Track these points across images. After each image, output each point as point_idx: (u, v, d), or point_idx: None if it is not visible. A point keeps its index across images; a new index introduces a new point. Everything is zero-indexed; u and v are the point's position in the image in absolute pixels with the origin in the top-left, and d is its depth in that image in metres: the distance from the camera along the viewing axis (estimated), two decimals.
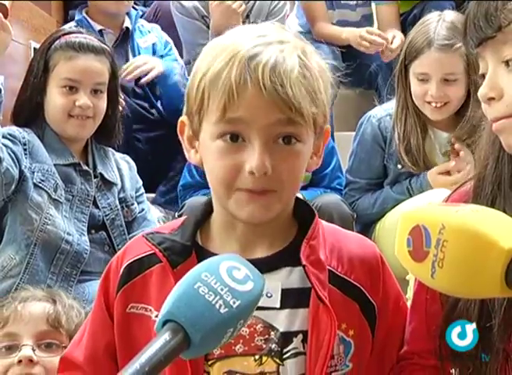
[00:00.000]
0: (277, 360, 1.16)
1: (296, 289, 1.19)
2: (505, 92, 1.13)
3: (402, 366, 1.28)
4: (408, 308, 1.29)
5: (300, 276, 1.19)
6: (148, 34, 3.41)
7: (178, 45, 3.49)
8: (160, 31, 3.48)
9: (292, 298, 1.18)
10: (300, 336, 1.17)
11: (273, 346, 1.16)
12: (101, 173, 2.41)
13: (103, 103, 2.38)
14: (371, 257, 1.25)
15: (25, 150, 2.26)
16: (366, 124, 2.75)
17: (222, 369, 1.17)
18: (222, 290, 0.91)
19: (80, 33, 2.44)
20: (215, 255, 1.01)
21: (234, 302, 0.91)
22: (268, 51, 1.12)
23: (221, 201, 1.19)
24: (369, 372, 1.23)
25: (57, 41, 2.36)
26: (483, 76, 1.17)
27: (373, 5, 3.64)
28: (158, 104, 3.32)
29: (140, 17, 3.56)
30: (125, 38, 3.36)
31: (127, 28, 3.36)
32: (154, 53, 3.38)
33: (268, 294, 1.16)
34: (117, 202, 2.42)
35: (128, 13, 3.40)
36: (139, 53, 3.33)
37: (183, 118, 1.22)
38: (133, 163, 2.57)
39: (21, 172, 2.23)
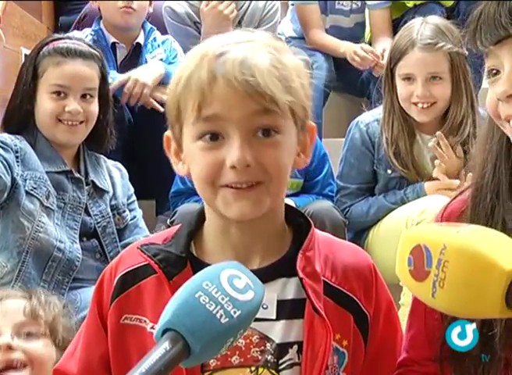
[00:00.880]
0: (273, 371, 1.16)
1: (291, 300, 1.18)
2: None
3: (401, 373, 1.28)
4: (399, 315, 1.29)
5: (296, 287, 1.18)
6: (157, 49, 3.27)
7: None
8: (171, 43, 3.31)
9: (287, 309, 1.18)
10: (296, 347, 1.17)
11: (269, 357, 1.16)
12: (92, 181, 2.40)
13: (94, 108, 2.38)
14: (364, 267, 1.25)
15: (17, 157, 2.26)
16: (354, 130, 2.76)
17: None
18: (222, 299, 0.90)
19: (69, 38, 2.44)
20: (210, 265, 1.00)
21: (235, 312, 0.90)
22: (236, 48, 1.12)
23: (209, 202, 1.17)
24: None
25: (45, 47, 2.36)
26: (490, 72, 1.16)
27: (366, 11, 3.66)
28: None
29: None
30: (135, 53, 3.25)
31: (138, 43, 3.24)
32: None
33: (264, 306, 1.14)
34: (109, 210, 2.41)
35: (143, 26, 3.27)
36: None
37: (167, 133, 1.22)
38: (124, 171, 2.56)
39: (13, 179, 2.22)
